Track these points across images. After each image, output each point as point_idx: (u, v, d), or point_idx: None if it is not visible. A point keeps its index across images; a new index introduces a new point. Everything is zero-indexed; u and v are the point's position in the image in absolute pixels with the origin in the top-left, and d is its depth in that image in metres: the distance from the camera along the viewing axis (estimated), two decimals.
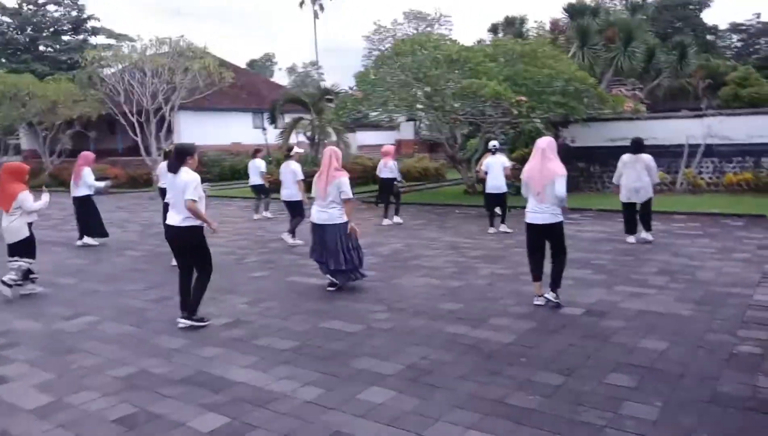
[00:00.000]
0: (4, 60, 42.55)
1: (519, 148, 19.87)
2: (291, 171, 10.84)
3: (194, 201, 5.90)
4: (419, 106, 15.10)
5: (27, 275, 7.53)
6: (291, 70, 63.56)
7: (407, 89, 15.10)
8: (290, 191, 10.87)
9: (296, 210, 10.86)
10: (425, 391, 4.37)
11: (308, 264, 8.23)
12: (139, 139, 26.37)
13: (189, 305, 6.13)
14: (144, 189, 24.83)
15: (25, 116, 28.42)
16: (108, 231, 11.64)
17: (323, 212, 7.27)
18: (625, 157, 10.15)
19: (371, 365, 4.91)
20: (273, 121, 23.59)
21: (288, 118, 23.99)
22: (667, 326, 5.67)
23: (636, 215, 10.08)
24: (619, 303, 6.46)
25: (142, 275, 8.59)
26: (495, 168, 11.29)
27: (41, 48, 45.56)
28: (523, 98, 14.20)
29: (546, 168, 6.35)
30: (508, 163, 11.48)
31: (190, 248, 6.12)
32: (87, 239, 11.35)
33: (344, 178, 7.28)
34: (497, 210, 11.51)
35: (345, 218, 7.26)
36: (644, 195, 9.90)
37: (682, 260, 8.37)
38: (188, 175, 6.00)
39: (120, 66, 24.42)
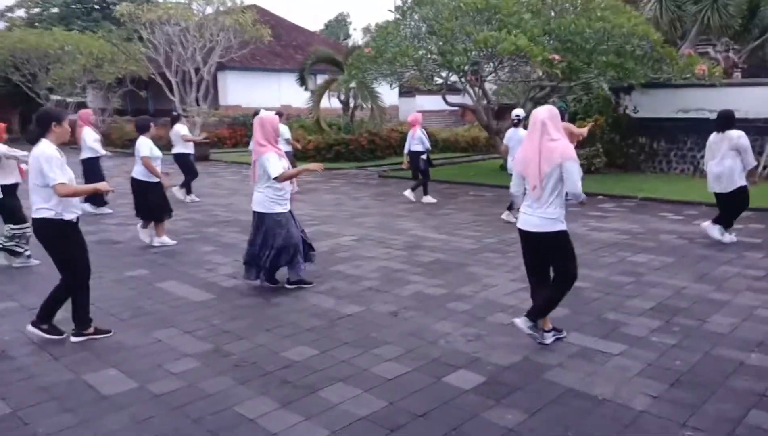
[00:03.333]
0: (77, 20, 43.05)
1: (589, 118, 17.07)
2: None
3: (64, 184, 4.40)
4: (429, 65, 12.68)
5: None
6: (366, 30, 61.42)
7: (418, 44, 12.72)
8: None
9: None
10: None
11: None
12: (177, 101, 25.46)
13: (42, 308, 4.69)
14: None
15: (73, 75, 28.11)
16: None
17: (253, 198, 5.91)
18: (712, 136, 7.72)
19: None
20: (303, 82, 21.70)
21: (321, 80, 22.11)
22: None
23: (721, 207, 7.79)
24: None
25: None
26: (515, 144, 8.93)
27: (112, 7, 45.74)
28: (556, 56, 11.52)
29: (547, 150, 4.21)
30: None
31: (48, 246, 4.63)
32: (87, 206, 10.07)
33: (268, 155, 5.66)
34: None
35: (280, 208, 5.80)
36: (727, 184, 7.47)
37: (711, 288, 5.85)
38: (45, 149, 4.43)
39: (158, 19, 23.27)
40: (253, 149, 5.87)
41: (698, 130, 14.55)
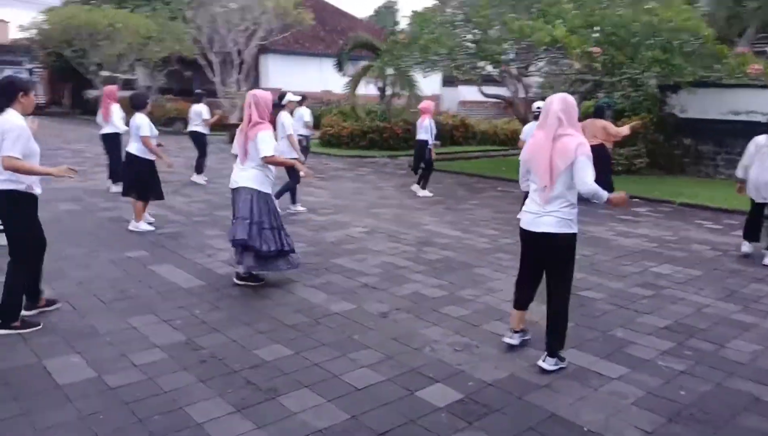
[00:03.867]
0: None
1: (636, 116, 16.31)
2: (280, 123, 8.72)
3: (15, 158, 4.13)
4: (463, 54, 12.16)
5: None
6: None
7: (453, 32, 12.24)
8: (278, 148, 8.69)
9: (288, 170, 8.74)
10: None
11: None
12: (217, 82, 25.56)
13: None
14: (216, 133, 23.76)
15: (121, 52, 28.52)
16: None
17: (240, 175, 5.53)
18: (761, 139, 7.04)
19: None
20: (340, 68, 21.39)
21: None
22: None
23: (762, 219, 7.14)
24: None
25: None
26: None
27: None
28: (597, 49, 10.92)
29: (562, 145, 3.80)
30: None
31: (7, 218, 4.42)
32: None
33: (265, 133, 5.42)
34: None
35: (262, 186, 5.47)
36: None
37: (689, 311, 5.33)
38: (10, 118, 4.21)
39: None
40: (242, 129, 5.56)
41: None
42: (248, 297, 5.22)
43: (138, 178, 7.51)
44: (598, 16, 12.35)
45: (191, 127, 11.52)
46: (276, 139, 8.45)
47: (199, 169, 11.46)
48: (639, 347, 4.37)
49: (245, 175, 5.50)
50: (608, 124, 10.85)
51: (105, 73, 32.57)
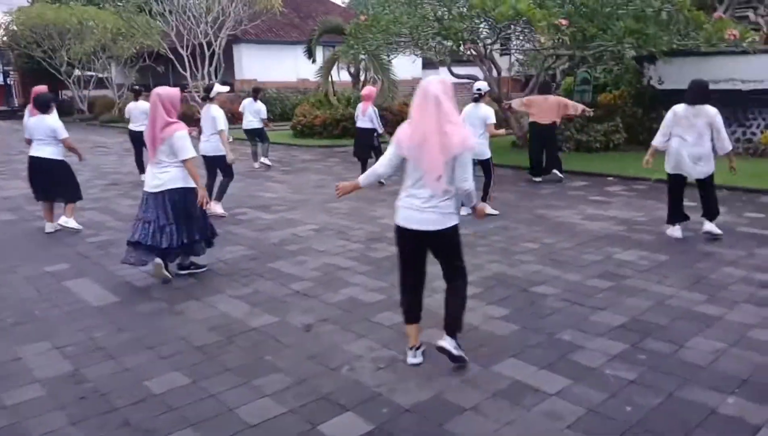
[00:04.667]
0: None
1: (618, 90, 15.76)
2: (211, 117, 8.09)
3: None
4: (425, 32, 11.54)
5: None
6: None
7: (414, 10, 11.62)
8: (211, 144, 8.13)
9: (221, 168, 8.21)
10: None
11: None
12: (188, 75, 24.90)
13: None
14: None
15: (90, 50, 27.77)
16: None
17: (156, 178, 5.28)
18: (679, 108, 6.53)
19: None
20: (310, 55, 20.74)
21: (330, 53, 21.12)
22: None
23: (683, 194, 6.79)
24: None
25: None
26: (470, 123, 7.89)
27: None
28: (563, 21, 10.34)
29: (447, 135, 3.38)
30: (491, 116, 7.96)
31: None
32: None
33: (178, 133, 5.12)
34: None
35: (189, 182, 5.30)
36: (706, 167, 6.51)
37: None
38: None
39: None
40: (148, 133, 5.14)
41: (729, 102, 13.18)
42: (161, 314, 4.70)
43: (64, 181, 7.14)
44: None
45: (131, 126, 10.95)
46: (205, 135, 7.98)
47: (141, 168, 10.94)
48: (587, 353, 3.88)
49: (168, 176, 5.23)
50: (568, 101, 10.40)
51: (77, 73, 31.90)
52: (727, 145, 6.41)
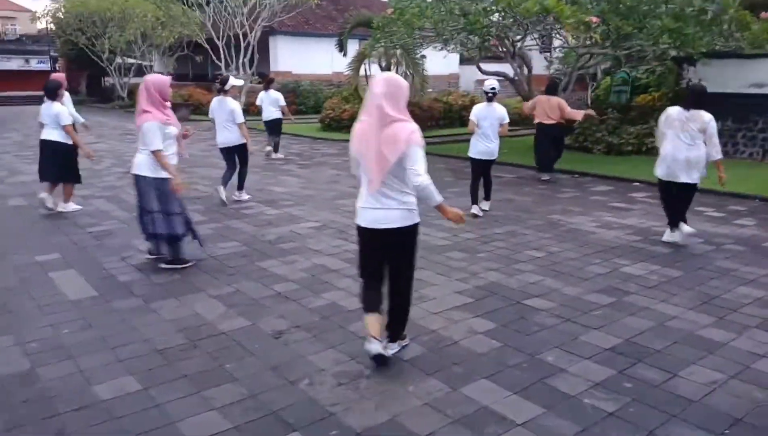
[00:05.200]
0: None
1: (660, 89, 15.10)
2: (229, 110, 8.11)
3: None
4: (450, 27, 11.20)
5: None
6: None
7: (438, 4, 11.28)
8: (230, 135, 8.20)
9: (242, 156, 8.32)
10: None
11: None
12: (222, 66, 25.01)
13: None
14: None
15: (130, 38, 28.18)
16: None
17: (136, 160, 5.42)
18: (673, 110, 6.31)
19: None
20: (341, 48, 20.54)
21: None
22: None
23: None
24: None
25: None
26: (485, 122, 7.60)
27: None
28: (594, 19, 9.88)
29: (392, 132, 3.36)
30: (505, 117, 7.67)
31: None
32: None
33: (149, 124, 5.16)
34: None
35: (158, 172, 5.27)
36: (696, 174, 6.25)
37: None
38: None
39: None
40: (137, 115, 5.12)
41: None
42: (134, 312, 4.56)
43: (65, 164, 7.46)
44: None
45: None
46: (223, 128, 7.99)
47: None
48: (567, 378, 3.57)
49: (139, 161, 5.32)
50: (564, 104, 10.09)
51: (119, 60, 32.46)
52: (716, 153, 6.17)
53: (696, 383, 3.51)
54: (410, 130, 3.38)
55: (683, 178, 6.23)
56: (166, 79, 5.28)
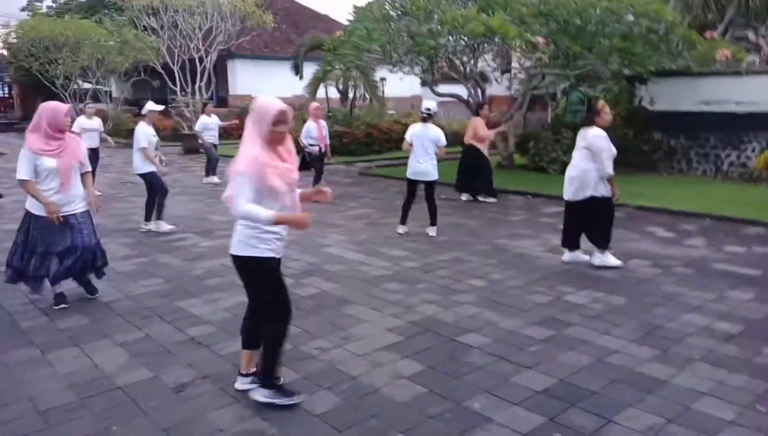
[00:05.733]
0: (105, 9, 42.70)
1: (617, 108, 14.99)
2: (135, 135, 7.93)
3: None
4: (401, 50, 11.01)
5: None
6: None
7: (387, 26, 11.11)
8: (135, 162, 7.91)
9: (148, 184, 7.97)
10: None
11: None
12: (177, 90, 24.54)
13: None
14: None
15: (84, 63, 27.53)
16: None
17: None
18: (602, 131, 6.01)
19: None
20: (297, 71, 20.30)
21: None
22: None
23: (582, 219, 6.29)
24: None
25: None
26: (419, 143, 7.42)
27: None
28: (541, 40, 9.78)
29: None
30: (441, 139, 7.47)
31: None
32: None
33: (23, 151, 4.85)
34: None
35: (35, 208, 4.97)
36: (581, 191, 6.09)
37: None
38: None
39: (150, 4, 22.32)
40: None
41: (722, 125, 12.55)
42: (27, 365, 4.09)
43: None
44: (552, 3, 11.17)
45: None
46: (135, 152, 7.69)
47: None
48: (492, 429, 3.24)
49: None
50: (476, 124, 10.00)
51: (74, 87, 31.69)
52: (602, 170, 5.93)
53: (631, 430, 3.21)
54: (237, 159, 3.22)
55: (565, 196, 6.17)
56: (62, 108, 4.90)
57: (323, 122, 10.10)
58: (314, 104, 10.21)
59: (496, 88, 31.70)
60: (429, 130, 7.37)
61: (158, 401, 3.58)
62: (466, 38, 10.46)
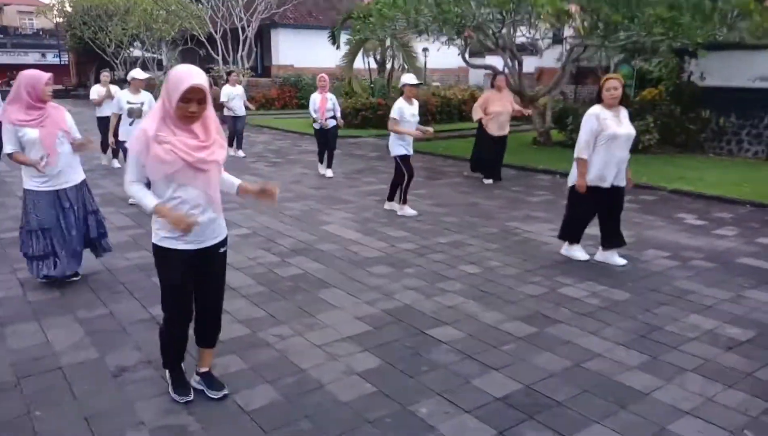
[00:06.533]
0: None
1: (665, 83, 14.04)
2: (115, 101, 7.93)
3: None
4: (424, 18, 10.49)
5: None
6: None
7: None
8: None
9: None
10: None
11: None
12: (220, 60, 24.58)
13: None
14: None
15: (130, 31, 27.92)
16: None
17: None
18: (599, 109, 5.33)
19: None
20: (334, 41, 19.88)
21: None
22: None
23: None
24: None
25: None
26: (405, 117, 7.05)
27: None
28: (574, 7, 9.11)
29: None
30: (394, 110, 7.08)
31: None
32: None
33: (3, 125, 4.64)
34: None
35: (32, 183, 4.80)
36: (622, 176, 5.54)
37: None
38: None
39: None
40: None
41: None
42: None
43: None
44: None
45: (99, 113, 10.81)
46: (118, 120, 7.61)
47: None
48: None
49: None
50: (482, 99, 9.36)
51: (126, 54, 32.26)
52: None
53: None
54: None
55: (611, 182, 5.52)
56: (42, 77, 4.66)
57: (331, 95, 9.67)
58: (321, 75, 9.80)
59: (547, 59, 30.43)
60: (402, 103, 7.03)
61: (92, 385, 3.41)
62: (493, 6, 9.84)
